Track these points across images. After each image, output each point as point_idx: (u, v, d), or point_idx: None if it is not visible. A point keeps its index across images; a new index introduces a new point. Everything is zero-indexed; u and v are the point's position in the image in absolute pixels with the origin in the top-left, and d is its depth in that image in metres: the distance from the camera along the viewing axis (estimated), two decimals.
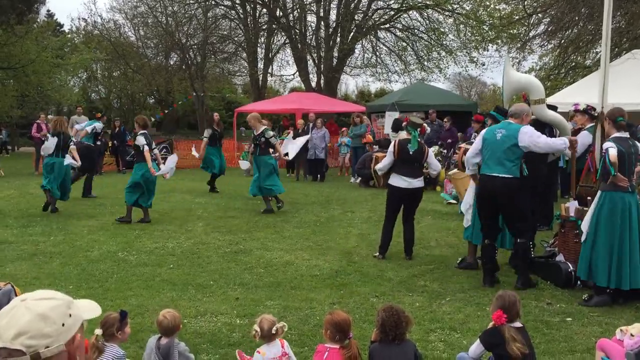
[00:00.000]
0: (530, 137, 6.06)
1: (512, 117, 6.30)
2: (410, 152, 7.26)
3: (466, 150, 7.37)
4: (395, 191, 7.37)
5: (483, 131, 6.55)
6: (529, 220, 6.40)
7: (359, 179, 14.99)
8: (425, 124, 7.91)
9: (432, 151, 7.90)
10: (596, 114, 7.11)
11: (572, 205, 6.65)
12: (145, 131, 9.68)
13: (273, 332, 3.56)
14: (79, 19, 49.02)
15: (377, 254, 7.42)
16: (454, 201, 11.25)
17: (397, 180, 7.32)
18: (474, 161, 6.42)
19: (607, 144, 5.73)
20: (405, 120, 7.61)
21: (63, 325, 1.58)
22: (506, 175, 6.06)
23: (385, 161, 7.52)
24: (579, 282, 6.14)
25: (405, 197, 7.36)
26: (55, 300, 1.60)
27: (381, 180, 7.70)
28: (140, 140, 9.47)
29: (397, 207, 7.44)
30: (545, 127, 7.06)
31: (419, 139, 7.32)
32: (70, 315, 1.61)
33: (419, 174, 7.39)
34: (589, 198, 6.39)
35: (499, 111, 7.13)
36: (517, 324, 3.62)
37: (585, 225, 5.88)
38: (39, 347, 1.52)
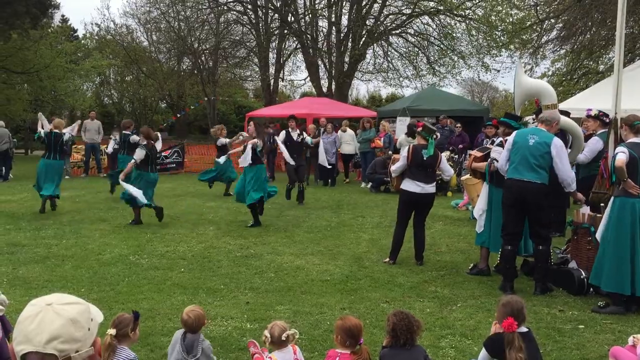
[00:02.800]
0: (558, 153, 6.04)
1: (542, 123, 6.27)
2: (425, 158, 7.26)
3: (476, 157, 7.34)
4: (407, 196, 7.36)
5: (513, 135, 6.40)
6: (551, 227, 6.42)
7: (370, 184, 14.98)
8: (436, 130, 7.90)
9: (443, 156, 7.87)
10: (608, 120, 7.06)
11: (585, 211, 6.61)
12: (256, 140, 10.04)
13: (283, 338, 3.56)
14: (92, 24, 49.57)
15: (388, 259, 7.40)
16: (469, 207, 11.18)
17: (409, 185, 7.33)
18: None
19: (618, 149, 5.70)
20: (419, 125, 7.54)
21: (89, 329, 1.61)
22: (538, 182, 6.04)
23: (398, 164, 7.57)
24: (591, 289, 6.09)
25: (417, 202, 7.36)
26: (80, 304, 1.63)
27: (395, 182, 7.70)
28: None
29: (409, 212, 7.45)
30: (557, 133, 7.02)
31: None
32: (91, 320, 1.63)
33: (432, 179, 7.39)
34: (602, 205, 6.34)
35: (510, 117, 7.09)
36: (522, 329, 3.56)
37: (599, 232, 5.85)
38: (71, 351, 1.54)
